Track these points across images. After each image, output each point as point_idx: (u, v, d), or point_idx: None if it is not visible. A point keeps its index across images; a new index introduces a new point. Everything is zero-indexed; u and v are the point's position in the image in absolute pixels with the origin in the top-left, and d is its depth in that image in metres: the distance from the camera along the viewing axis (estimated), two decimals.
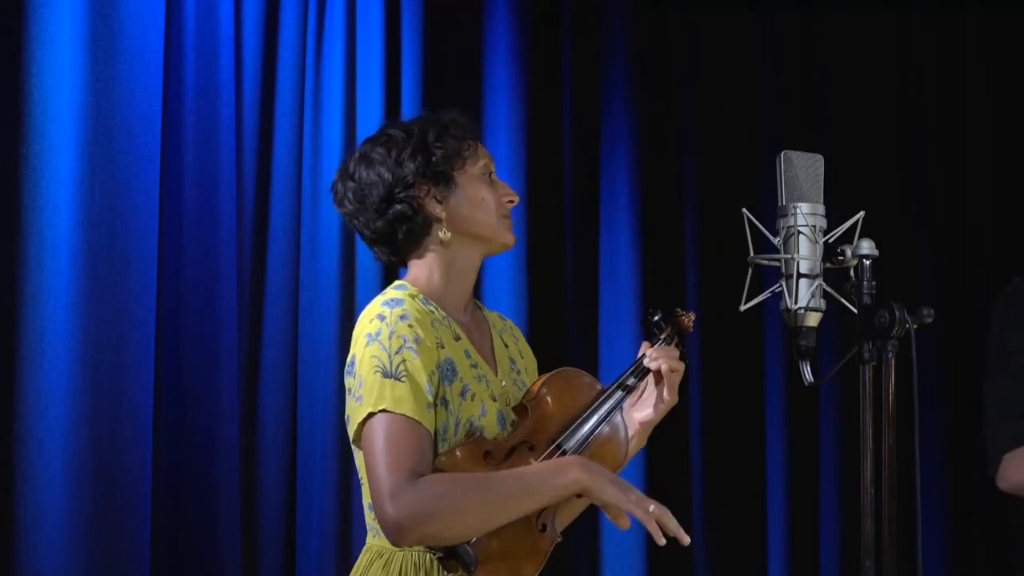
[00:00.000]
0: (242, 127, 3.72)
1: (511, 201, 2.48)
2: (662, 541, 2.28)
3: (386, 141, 2.45)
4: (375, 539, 2.39)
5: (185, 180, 3.61)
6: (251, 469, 3.68)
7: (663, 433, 4.10)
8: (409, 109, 3.81)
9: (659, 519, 2.27)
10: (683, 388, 4.12)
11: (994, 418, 3.01)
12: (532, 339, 3.95)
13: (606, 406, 2.44)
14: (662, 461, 4.10)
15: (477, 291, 3.94)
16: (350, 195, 2.45)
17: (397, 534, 2.23)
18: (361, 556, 2.42)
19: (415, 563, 2.34)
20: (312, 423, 3.72)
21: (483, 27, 4.06)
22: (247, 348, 3.70)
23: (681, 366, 2.50)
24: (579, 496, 2.33)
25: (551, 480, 2.27)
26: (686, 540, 2.29)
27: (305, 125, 3.80)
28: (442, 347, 2.36)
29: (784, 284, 2.33)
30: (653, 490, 4.03)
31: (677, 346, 2.54)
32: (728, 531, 4.18)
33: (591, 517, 4.01)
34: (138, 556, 3.39)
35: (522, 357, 2.57)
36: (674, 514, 2.27)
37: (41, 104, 3.36)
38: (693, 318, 2.59)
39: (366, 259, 3.73)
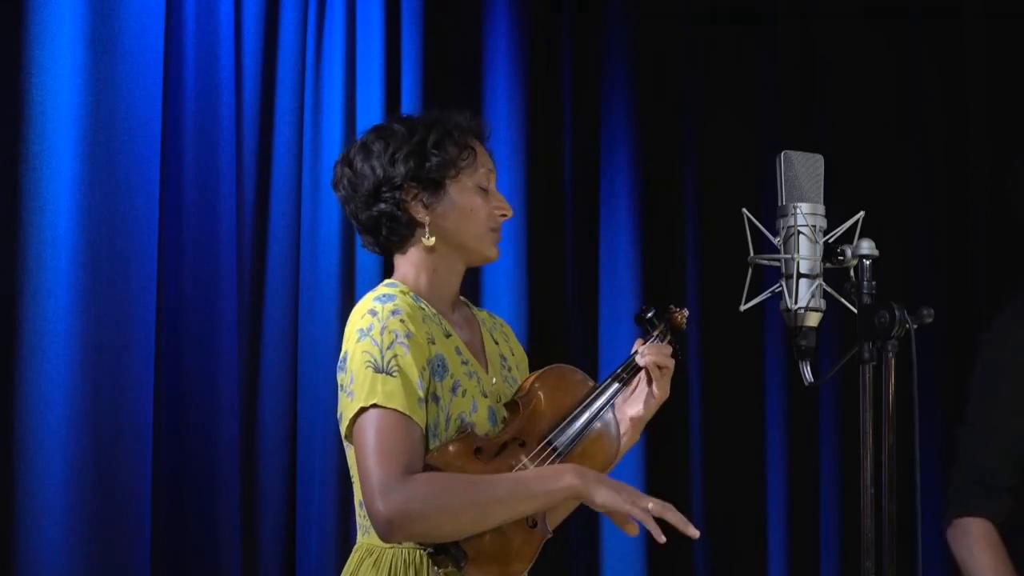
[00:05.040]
0: (242, 127, 3.73)
1: (503, 215, 2.48)
2: (662, 539, 2.28)
3: (388, 135, 2.46)
4: (365, 537, 2.39)
5: (185, 180, 3.61)
6: (251, 469, 3.68)
7: (663, 433, 4.13)
8: (409, 109, 3.80)
9: (660, 515, 2.28)
10: (683, 388, 4.18)
11: (958, 474, 3.03)
12: (532, 339, 3.98)
13: (598, 403, 2.45)
14: (662, 461, 4.10)
15: (477, 291, 3.96)
16: (345, 181, 2.47)
17: (387, 531, 2.24)
18: (352, 555, 2.43)
19: (405, 561, 2.35)
20: (312, 423, 3.72)
21: (483, 27, 4.06)
22: (247, 348, 3.70)
23: (671, 363, 2.50)
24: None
25: (544, 486, 2.28)
26: (695, 533, 2.28)
27: (305, 125, 3.80)
28: (433, 343, 2.36)
29: (784, 284, 2.33)
30: (653, 491, 4.03)
31: (670, 343, 2.54)
32: (728, 531, 4.18)
33: (591, 517, 4.01)
34: (138, 556, 3.39)
35: (512, 354, 2.57)
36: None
37: (41, 104, 3.36)
38: (686, 315, 2.60)
39: (366, 259, 3.73)
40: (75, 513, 3.30)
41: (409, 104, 3.83)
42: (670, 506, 2.29)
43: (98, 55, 3.42)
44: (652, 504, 2.28)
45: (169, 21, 3.57)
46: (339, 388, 2.38)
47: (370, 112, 3.77)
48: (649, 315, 2.57)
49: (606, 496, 2.28)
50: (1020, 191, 3.49)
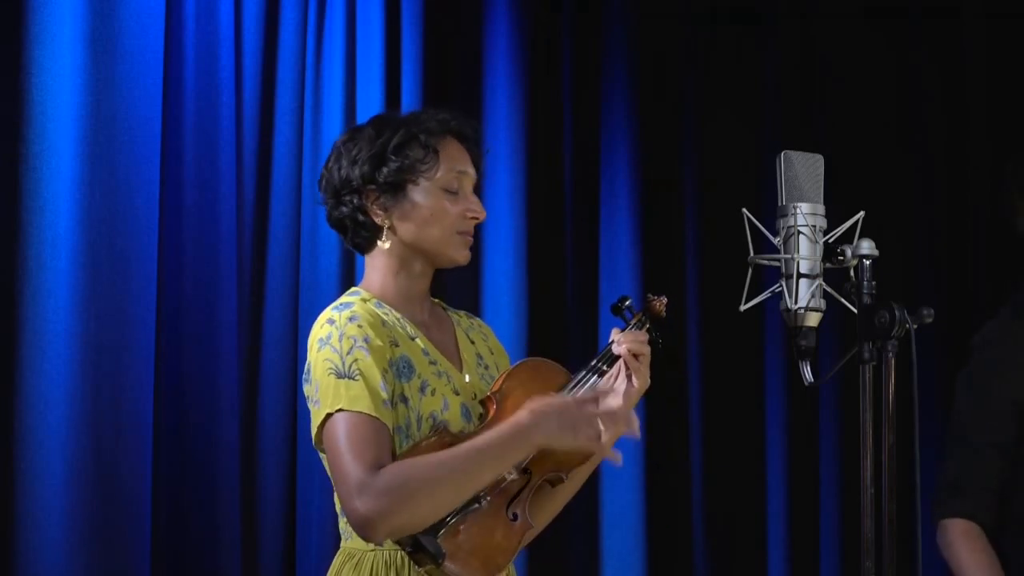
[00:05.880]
0: (242, 127, 3.73)
1: (474, 218, 2.46)
2: (619, 463, 2.40)
3: (358, 137, 2.46)
4: (347, 542, 2.43)
5: (185, 180, 3.61)
6: (251, 469, 3.68)
7: (663, 433, 4.13)
8: (409, 109, 3.79)
9: (617, 435, 2.34)
10: (683, 388, 4.17)
11: (942, 480, 3.05)
12: (532, 339, 3.98)
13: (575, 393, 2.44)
14: (662, 461, 4.09)
15: (477, 291, 3.96)
16: (323, 181, 2.49)
17: (368, 528, 2.25)
18: (335, 559, 2.46)
19: (386, 562, 2.36)
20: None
21: (483, 27, 4.06)
22: (247, 348, 3.70)
23: (646, 350, 2.48)
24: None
25: (508, 449, 2.29)
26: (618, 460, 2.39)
27: (305, 125, 3.80)
28: (396, 345, 2.37)
29: (784, 284, 2.33)
30: (653, 490, 4.03)
31: (649, 331, 2.53)
32: (728, 531, 4.18)
33: (591, 515, 4.01)
34: (138, 556, 3.39)
35: (491, 353, 2.57)
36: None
37: (41, 104, 3.36)
38: (665, 302, 2.57)
39: None
40: (75, 513, 3.30)
41: (409, 104, 3.83)
42: (619, 418, 2.33)
43: (98, 55, 3.42)
44: (605, 435, 2.31)
45: (169, 21, 3.58)
46: (307, 400, 2.39)
47: (370, 112, 3.76)
48: (626, 304, 2.56)
49: (567, 443, 2.31)
50: (1010, 193, 3.49)
